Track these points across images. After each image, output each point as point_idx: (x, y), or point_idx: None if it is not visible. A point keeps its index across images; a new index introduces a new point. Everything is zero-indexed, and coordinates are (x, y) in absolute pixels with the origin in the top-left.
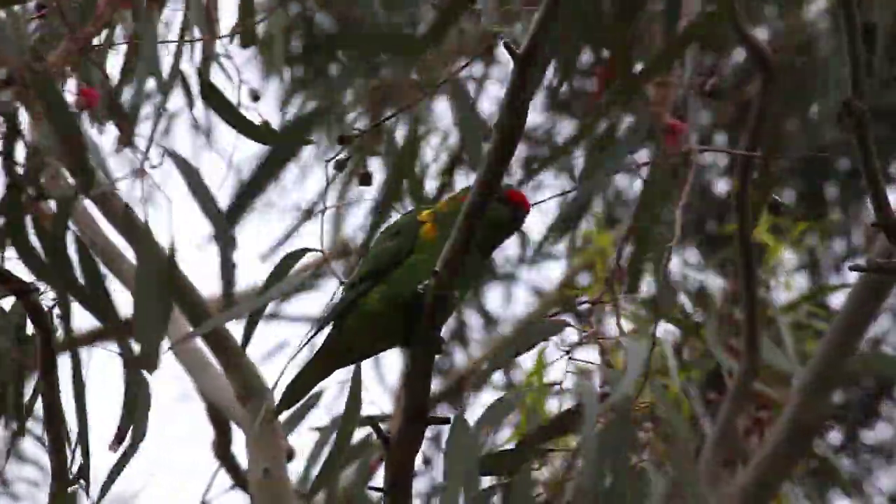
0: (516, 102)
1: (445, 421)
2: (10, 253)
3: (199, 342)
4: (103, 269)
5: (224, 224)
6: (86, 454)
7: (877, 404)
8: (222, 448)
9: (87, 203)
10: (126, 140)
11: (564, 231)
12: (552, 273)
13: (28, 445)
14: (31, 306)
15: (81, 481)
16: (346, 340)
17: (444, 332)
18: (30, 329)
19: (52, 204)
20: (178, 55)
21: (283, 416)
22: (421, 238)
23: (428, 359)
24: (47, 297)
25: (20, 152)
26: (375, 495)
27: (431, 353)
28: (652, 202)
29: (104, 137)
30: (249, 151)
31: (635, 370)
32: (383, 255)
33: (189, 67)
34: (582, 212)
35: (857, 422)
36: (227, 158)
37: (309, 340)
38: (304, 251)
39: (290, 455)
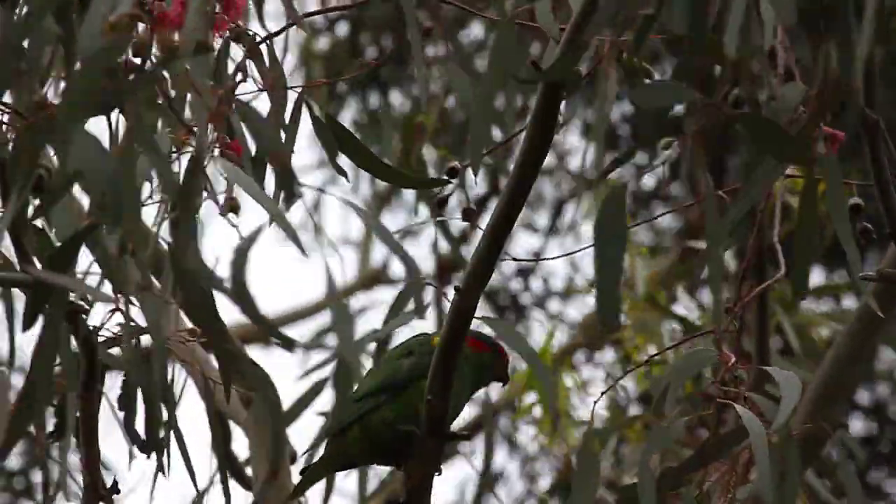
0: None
1: (465, 437)
2: None
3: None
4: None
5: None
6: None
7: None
8: (223, 445)
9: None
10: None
11: None
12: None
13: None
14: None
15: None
16: (348, 450)
17: None
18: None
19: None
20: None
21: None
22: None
23: (447, 380)
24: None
25: None
26: None
27: (449, 377)
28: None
29: None
30: None
31: (792, 399)
32: (399, 371)
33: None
34: None
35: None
36: None
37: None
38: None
39: (294, 458)
